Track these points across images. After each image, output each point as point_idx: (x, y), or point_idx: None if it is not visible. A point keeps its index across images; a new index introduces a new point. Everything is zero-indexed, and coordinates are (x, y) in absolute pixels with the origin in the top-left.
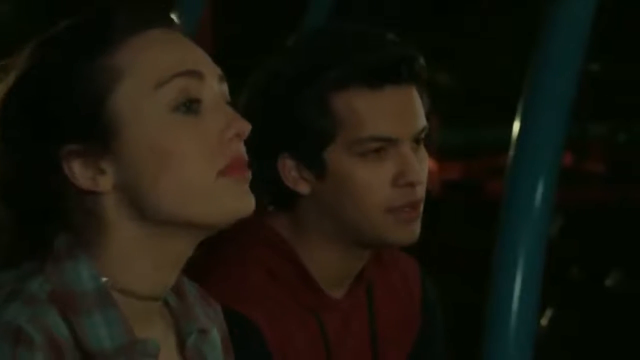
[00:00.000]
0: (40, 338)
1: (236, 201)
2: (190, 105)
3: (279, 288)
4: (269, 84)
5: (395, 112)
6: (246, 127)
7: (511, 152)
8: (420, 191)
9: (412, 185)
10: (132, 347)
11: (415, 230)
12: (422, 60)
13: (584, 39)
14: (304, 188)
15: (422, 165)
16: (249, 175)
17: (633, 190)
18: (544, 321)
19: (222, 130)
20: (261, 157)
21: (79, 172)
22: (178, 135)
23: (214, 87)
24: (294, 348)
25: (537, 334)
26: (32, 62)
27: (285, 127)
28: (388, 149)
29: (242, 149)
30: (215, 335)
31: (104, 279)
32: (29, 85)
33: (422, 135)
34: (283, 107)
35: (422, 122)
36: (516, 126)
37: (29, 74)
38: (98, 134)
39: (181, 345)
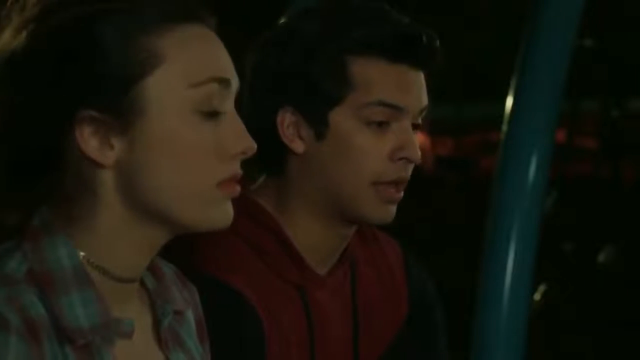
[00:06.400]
0: (16, 319)
1: (222, 214)
2: (212, 112)
3: (263, 262)
4: (287, 39)
5: (406, 85)
6: (253, 148)
7: (504, 128)
8: (410, 171)
9: (407, 161)
10: (107, 325)
11: (392, 210)
12: (438, 44)
13: (576, 14)
14: (298, 146)
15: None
16: (238, 192)
17: (625, 165)
18: (536, 296)
19: (233, 144)
20: (262, 107)
21: (88, 138)
22: (194, 137)
23: (233, 96)
24: (279, 323)
25: (530, 308)
26: (70, 18)
27: (296, 81)
28: (391, 122)
29: (239, 166)
30: (190, 316)
31: (82, 254)
32: (68, 39)
33: (420, 119)
34: (298, 61)
35: (426, 101)
36: (509, 102)
37: (68, 27)
38: (120, 109)
39: (157, 326)
